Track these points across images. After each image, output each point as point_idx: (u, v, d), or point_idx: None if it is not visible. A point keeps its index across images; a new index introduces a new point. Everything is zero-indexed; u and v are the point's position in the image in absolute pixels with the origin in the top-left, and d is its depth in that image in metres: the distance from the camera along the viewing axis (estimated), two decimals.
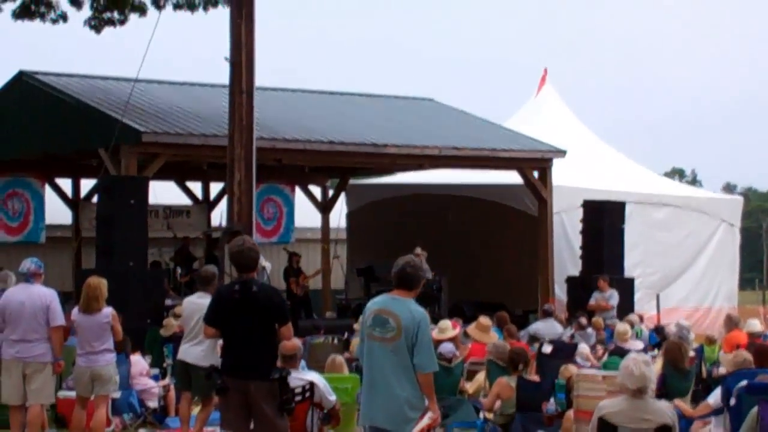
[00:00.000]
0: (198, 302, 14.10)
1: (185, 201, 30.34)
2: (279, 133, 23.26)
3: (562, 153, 26.76)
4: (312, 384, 11.53)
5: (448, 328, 17.83)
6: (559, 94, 32.08)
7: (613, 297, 25.41)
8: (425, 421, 9.37)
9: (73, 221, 28.78)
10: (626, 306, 25.83)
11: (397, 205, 30.31)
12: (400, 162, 25.74)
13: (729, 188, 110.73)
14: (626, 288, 26.52)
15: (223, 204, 30.35)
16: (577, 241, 26.76)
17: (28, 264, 13.27)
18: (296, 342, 11.59)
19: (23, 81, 24.78)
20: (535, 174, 26.72)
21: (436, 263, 26.89)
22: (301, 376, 11.28)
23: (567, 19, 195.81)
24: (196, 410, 15.56)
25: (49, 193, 28.78)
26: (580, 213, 26.55)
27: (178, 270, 25.93)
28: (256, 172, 16.68)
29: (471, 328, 18.76)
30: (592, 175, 28.39)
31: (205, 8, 23.84)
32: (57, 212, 29.01)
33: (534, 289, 27.40)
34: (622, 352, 15.08)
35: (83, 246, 27.73)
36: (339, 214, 29.89)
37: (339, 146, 23.98)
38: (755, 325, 17.84)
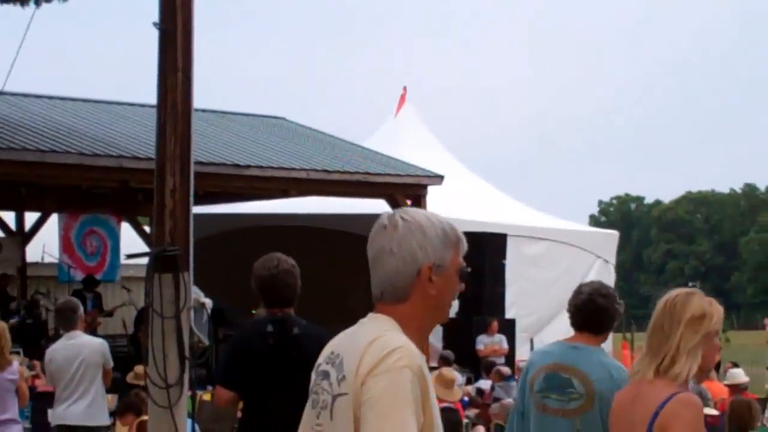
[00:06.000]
0: (70, 345, 10.96)
1: None
2: (128, 151, 19.70)
3: (439, 179, 23.64)
4: None
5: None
6: (419, 115, 28.96)
7: (503, 342, 22.82)
8: None
9: None
10: (507, 352, 23.35)
11: (244, 238, 26.55)
12: (260, 186, 22.03)
13: None
14: (509, 331, 23.86)
15: (42, 236, 26.35)
16: None
17: None
18: None
19: None
20: (408, 202, 23.59)
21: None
22: None
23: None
24: None
25: None
26: None
27: None
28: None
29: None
30: (463, 205, 25.44)
31: (37, 2, 19.98)
32: None
33: None
34: None
35: None
36: None
37: (197, 167, 20.25)
38: (739, 374, 14.90)
